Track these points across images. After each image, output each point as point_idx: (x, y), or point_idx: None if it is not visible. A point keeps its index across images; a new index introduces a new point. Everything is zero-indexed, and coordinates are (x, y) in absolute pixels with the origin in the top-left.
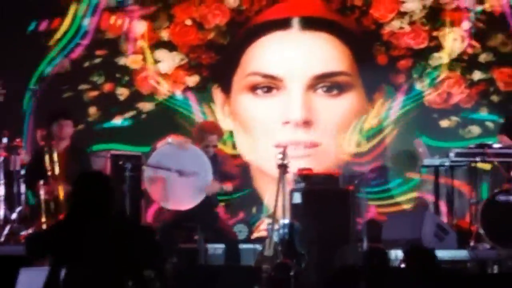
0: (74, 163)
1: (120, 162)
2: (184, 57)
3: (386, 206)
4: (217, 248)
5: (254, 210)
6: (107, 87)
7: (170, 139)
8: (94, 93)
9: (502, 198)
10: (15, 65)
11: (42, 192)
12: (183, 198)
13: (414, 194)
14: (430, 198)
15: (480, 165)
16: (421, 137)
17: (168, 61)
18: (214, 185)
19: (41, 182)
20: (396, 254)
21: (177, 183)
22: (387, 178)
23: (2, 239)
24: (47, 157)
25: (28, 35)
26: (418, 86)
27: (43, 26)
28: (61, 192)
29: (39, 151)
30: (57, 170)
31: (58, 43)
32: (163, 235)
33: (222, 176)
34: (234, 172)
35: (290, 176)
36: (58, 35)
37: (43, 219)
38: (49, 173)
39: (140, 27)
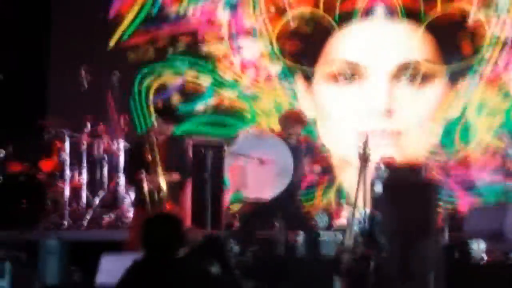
0: (174, 154)
1: (202, 150)
2: (268, 44)
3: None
4: (297, 237)
5: (335, 198)
6: (191, 74)
7: (251, 129)
8: (177, 80)
9: None
10: (100, 52)
11: (145, 183)
12: (264, 186)
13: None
14: None
15: None
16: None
17: (252, 48)
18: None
19: (143, 173)
20: (478, 245)
21: (257, 171)
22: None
23: (85, 224)
24: (147, 148)
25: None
26: (504, 76)
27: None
28: (163, 183)
29: (139, 143)
30: (158, 161)
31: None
32: (243, 223)
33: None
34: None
35: (371, 166)
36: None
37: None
38: (150, 164)
39: (224, 14)
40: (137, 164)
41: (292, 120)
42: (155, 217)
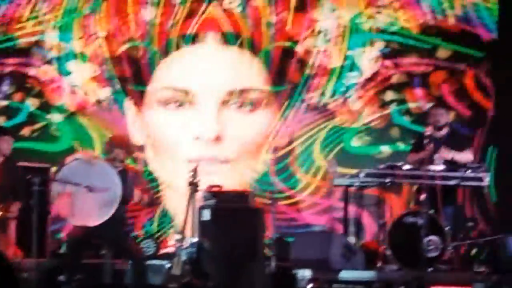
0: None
1: (28, 176)
2: (97, 69)
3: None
4: (124, 265)
5: (163, 226)
6: (17, 97)
7: (79, 154)
8: (3, 103)
9: (409, 219)
10: None
11: None
12: (90, 214)
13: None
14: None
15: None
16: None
17: (81, 72)
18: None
19: None
20: (304, 274)
21: (85, 198)
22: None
23: None
24: None
25: None
26: (331, 105)
27: None
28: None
29: None
30: None
31: None
32: (69, 250)
33: (131, 191)
34: (144, 188)
35: (200, 193)
36: None
37: None
38: None
39: (52, 37)
40: None
41: (116, 145)
42: None
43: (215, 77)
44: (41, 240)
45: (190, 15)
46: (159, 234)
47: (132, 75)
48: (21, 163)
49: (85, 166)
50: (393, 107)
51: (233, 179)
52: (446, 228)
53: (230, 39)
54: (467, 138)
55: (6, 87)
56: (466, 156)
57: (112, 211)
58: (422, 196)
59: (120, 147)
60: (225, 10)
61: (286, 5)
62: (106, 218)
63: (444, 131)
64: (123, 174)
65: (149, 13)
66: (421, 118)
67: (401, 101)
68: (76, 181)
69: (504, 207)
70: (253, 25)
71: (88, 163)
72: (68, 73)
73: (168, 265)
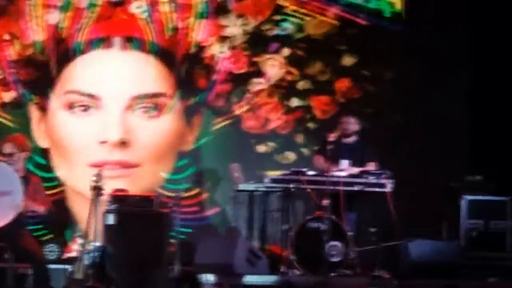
0: None
1: None
2: (1, 72)
3: (199, 230)
4: (27, 269)
5: (66, 230)
6: None
7: None
8: None
9: (313, 225)
10: None
11: None
12: None
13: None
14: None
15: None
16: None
17: None
18: (27, 204)
19: None
20: (207, 278)
21: None
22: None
23: None
24: None
25: None
26: (237, 110)
27: None
28: None
29: None
30: None
31: None
32: None
33: (32, 198)
34: (44, 195)
35: (104, 198)
36: None
37: None
38: None
39: None
40: None
41: (6, 141)
42: None
43: (120, 82)
44: None
45: (97, 19)
46: (62, 238)
47: (37, 79)
48: None
49: None
50: (298, 114)
51: (138, 184)
52: (349, 234)
53: (135, 44)
54: (372, 150)
55: None
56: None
57: (13, 215)
58: (325, 202)
59: (9, 142)
60: (131, 15)
61: (192, 11)
62: (7, 221)
63: (352, 139)
64: (25, 180)
65: (55, 17)
66: (326, 124)
67: (306, 108)
68: None
69: (404, 212)
70: (159, 31)
71: None
72: None
73: (71, 270)
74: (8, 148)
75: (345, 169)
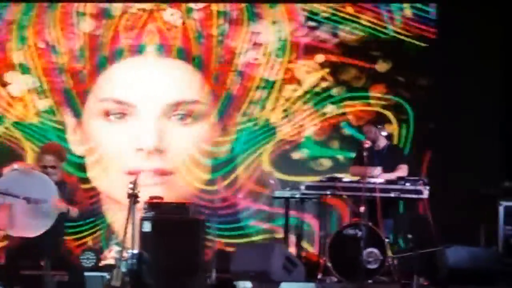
0: None
1: None
2: (36, 80)
3: (236, 237)
4: (64, 276)
5: (103, 237)
6: None
7: (16, 165)
8: None
9: (350, 232)
10: None
11: None
12: (29, 225)
13: (264, 226)
14: (280, 230)
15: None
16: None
17: (19, 84)
18: (62, 204)
19: None
20: (245, 285)
21: (23, 210)
22: (238, 209)
23: None
24: None
25: None
26: (272, 118)
27: None
28: None
29: None
30: None
31: None
32: (8, 261)
33: (69, 202)
34: (81, 199)
35: (141, 205)
36: None
37: None
38: None
39: None
40: None
41: (44, 151)
42: None
43: (155, 89)
44: None
45: (131, 27)
46: (99, 245)
47: (72, 86)
48: None
49: (23, 177)
50: (333, 120)
51: (175, 191)
52: (386, 240)
53: (169, 51)
54: (401, 153)
55: None
56: (402, 172)
57: (50, 222)
58: (362, 208)
59: (47, 153)
60: (165, 23)
61: (227, 18)
62: (44, 229)
63: (382, 145)
64: (61, 185)
65: (90, 25)
66: (361, 131)
67: (341, 114)
68: (14, 192)
69: (441, 219)
70: (194, 38)
71: (26, 174)
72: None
73: (108, 277)
74: (49, 159)
75: (379, 175)
